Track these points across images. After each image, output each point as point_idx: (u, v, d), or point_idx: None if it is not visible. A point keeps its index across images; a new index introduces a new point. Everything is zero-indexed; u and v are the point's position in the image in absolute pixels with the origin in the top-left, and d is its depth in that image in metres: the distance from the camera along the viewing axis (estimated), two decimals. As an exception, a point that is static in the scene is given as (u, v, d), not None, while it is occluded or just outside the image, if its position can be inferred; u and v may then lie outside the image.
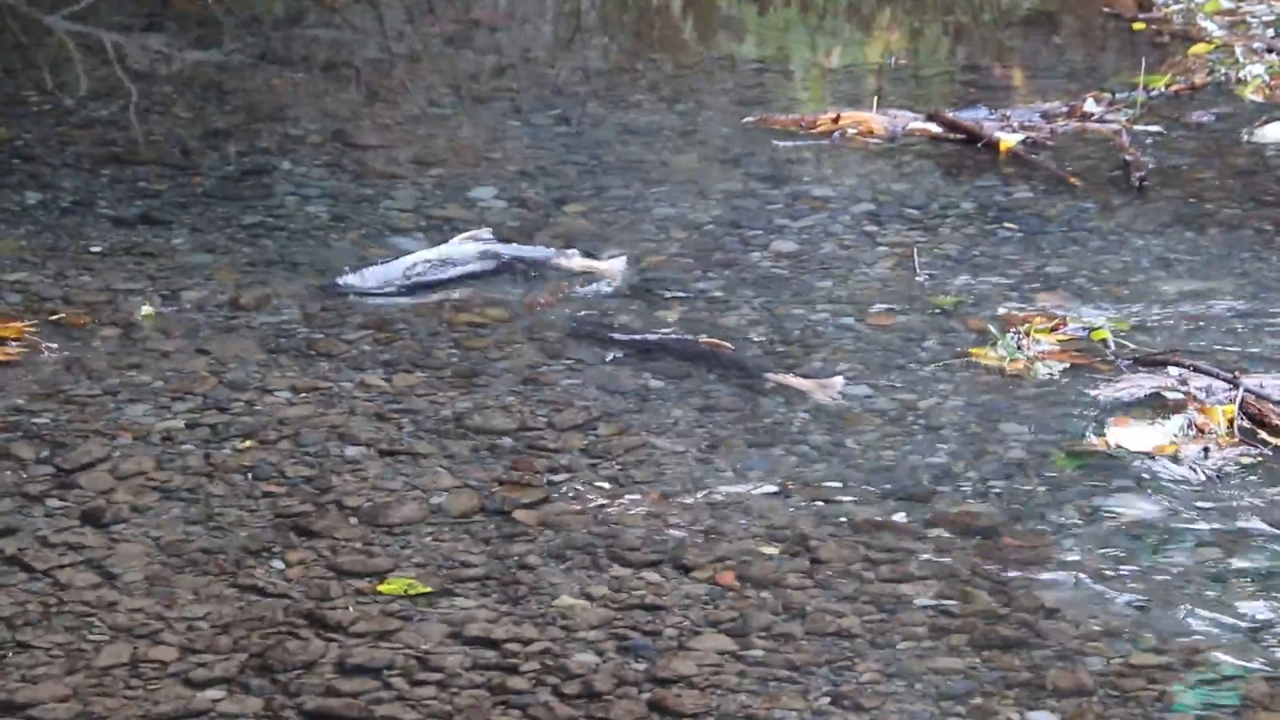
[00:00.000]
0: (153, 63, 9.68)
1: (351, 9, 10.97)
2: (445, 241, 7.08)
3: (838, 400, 6.00)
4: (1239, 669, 4.67)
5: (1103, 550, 5.17)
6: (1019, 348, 6.34)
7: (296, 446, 5.62)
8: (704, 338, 6.36)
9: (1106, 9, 10.83)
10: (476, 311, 6.66)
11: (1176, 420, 5.82)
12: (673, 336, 6.42)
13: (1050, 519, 5.34)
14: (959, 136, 8.59)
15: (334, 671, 4.55)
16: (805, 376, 6.13)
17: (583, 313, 6.67)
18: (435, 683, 4.54)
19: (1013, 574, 5.04)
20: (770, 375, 6.13)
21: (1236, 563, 5.13)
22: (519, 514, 5.26)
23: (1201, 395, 5.93)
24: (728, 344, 6.30)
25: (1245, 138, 8.59)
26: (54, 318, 6.45)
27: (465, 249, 6.98)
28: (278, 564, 4.98)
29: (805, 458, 5.67)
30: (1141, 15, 10.63)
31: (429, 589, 4.88)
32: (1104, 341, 6.40)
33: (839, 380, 6.08)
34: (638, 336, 6.40)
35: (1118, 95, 9.09)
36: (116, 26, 10.15)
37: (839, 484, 5.51)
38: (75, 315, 6.49)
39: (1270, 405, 5.82)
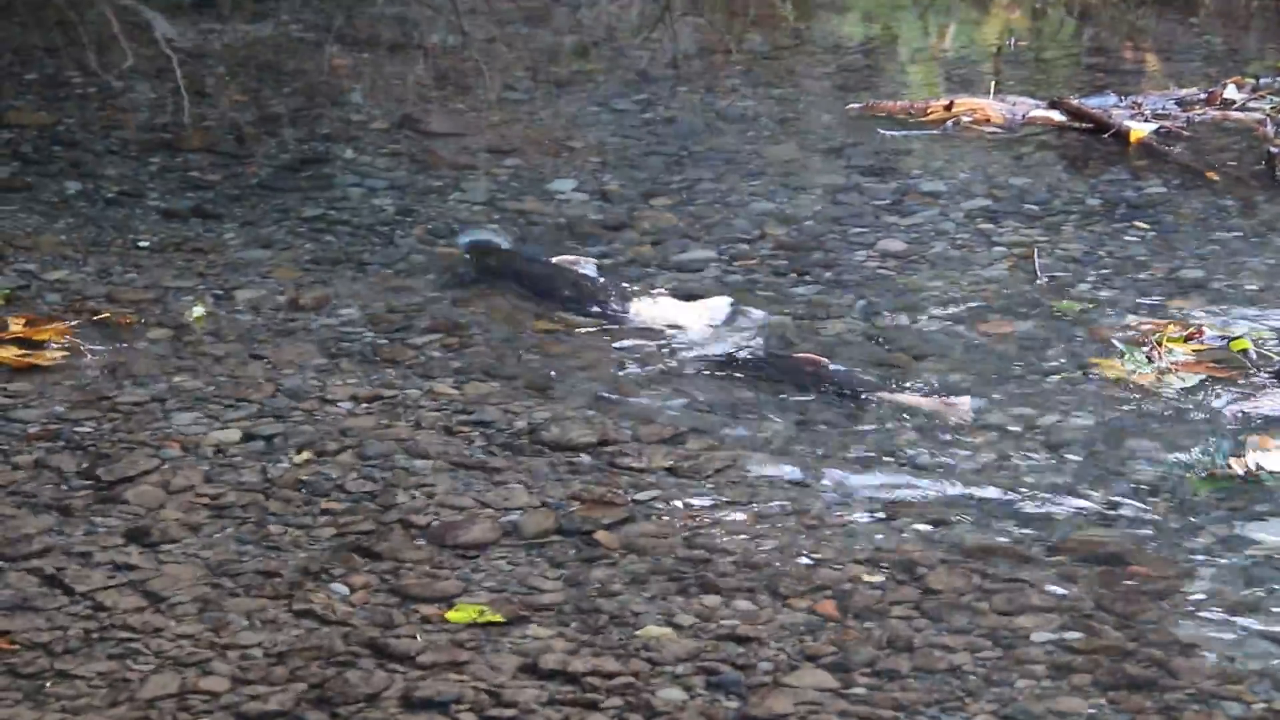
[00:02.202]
0: (205, 41, 9.78)
1: (420, -16, 11.04)
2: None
3: (968, 421, 5.98)
4: (1392, 715, 4.64)
5: (1242, 582, 5.15)
6: (1149, 359, 6.32)
7: (359, 460, 5.66)
8: (801, 353, 6.35)
9: (1250, -15, 10.78)
10: (555, 318, 6.68)
11: (1324, 440, 5.79)
12: (767, 351, 6.39)
13: (1184, 547, 5.32)
14: (1085, 126, 8.56)
15: (398, 706, 4.59)
16: (927, 395, 6.11)
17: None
18: (508, 719, 4.57)
19: (1142, 607, 5.03)
20: (886, 396, 6.09)
21: (1390, 598, 5.10)
22: (600, 535, 5.28)
23: (1352, 413, 5.91)
24: (825, 359, 6.27)
25: (1403, 128, 8.54)
26: (97, 318, 6.52)
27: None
28: (338, 588, 5.02)
29: (913, 477, 5.67)
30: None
31: (501, 617, 4.91)
32: (1244, 352, 6.37)
33: (967, 399, 6.04)
34: (730, 352, 6.39)
35: (1262, 81, 9.04)
36: (166, 1, 10.25)
37: (950, 506, 5.50)
38: (120, 315, 6.55)
39: None
